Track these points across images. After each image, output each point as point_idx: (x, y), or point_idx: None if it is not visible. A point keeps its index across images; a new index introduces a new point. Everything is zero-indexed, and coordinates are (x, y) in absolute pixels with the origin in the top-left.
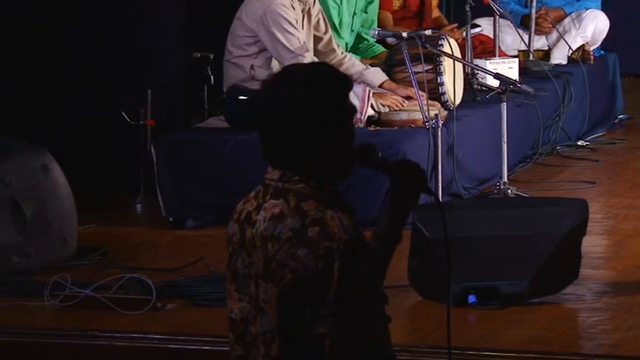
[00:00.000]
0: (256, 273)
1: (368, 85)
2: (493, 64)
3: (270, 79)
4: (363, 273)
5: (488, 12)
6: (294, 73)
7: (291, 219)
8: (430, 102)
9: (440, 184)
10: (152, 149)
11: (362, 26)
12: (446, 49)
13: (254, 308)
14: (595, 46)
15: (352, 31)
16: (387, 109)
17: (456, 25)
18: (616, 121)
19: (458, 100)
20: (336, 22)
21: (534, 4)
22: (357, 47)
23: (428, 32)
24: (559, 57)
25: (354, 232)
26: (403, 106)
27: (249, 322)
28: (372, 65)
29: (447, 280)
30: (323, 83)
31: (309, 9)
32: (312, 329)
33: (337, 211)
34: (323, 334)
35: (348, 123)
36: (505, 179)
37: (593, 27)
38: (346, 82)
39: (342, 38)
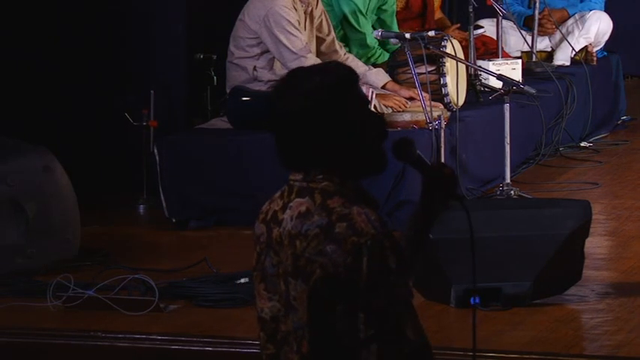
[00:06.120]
0: (285, 271)
1: (371, 86)
2: (496, 65)
3: (277, 87)
4: (391, 266)
5: (491, 13)
6: (300, 76)
7: (318, 216)
8: (433, 103)
9: None
10: (155, 150)
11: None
12: (449, 50)
13: (284, 306)
14: (598, 48)
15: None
16: (389, 110)
17: (458, 26)
18: (619, 122)
19: (461, 102)
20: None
21: (537, 5)
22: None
23: (431, 33)
24: (562, 58)
25: (381, 227)
26: (406, 107)
27: (280, 321)
28: (374, 66)
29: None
30: (329, 82)
31: (312, 10)
32: (343, 324)
33: (363, 207)
34: (354, 329)
35: (363, 113)
36: (508, 180)
37: (596, 28)
38: (351, 75)
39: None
